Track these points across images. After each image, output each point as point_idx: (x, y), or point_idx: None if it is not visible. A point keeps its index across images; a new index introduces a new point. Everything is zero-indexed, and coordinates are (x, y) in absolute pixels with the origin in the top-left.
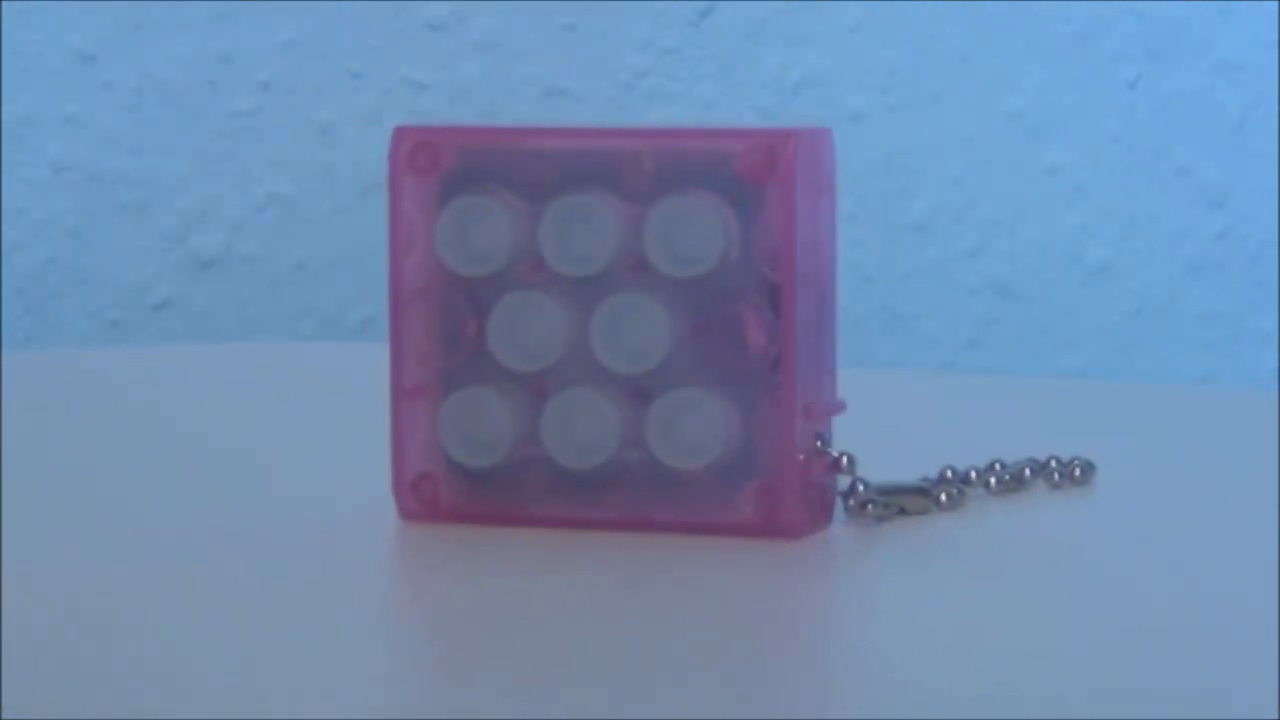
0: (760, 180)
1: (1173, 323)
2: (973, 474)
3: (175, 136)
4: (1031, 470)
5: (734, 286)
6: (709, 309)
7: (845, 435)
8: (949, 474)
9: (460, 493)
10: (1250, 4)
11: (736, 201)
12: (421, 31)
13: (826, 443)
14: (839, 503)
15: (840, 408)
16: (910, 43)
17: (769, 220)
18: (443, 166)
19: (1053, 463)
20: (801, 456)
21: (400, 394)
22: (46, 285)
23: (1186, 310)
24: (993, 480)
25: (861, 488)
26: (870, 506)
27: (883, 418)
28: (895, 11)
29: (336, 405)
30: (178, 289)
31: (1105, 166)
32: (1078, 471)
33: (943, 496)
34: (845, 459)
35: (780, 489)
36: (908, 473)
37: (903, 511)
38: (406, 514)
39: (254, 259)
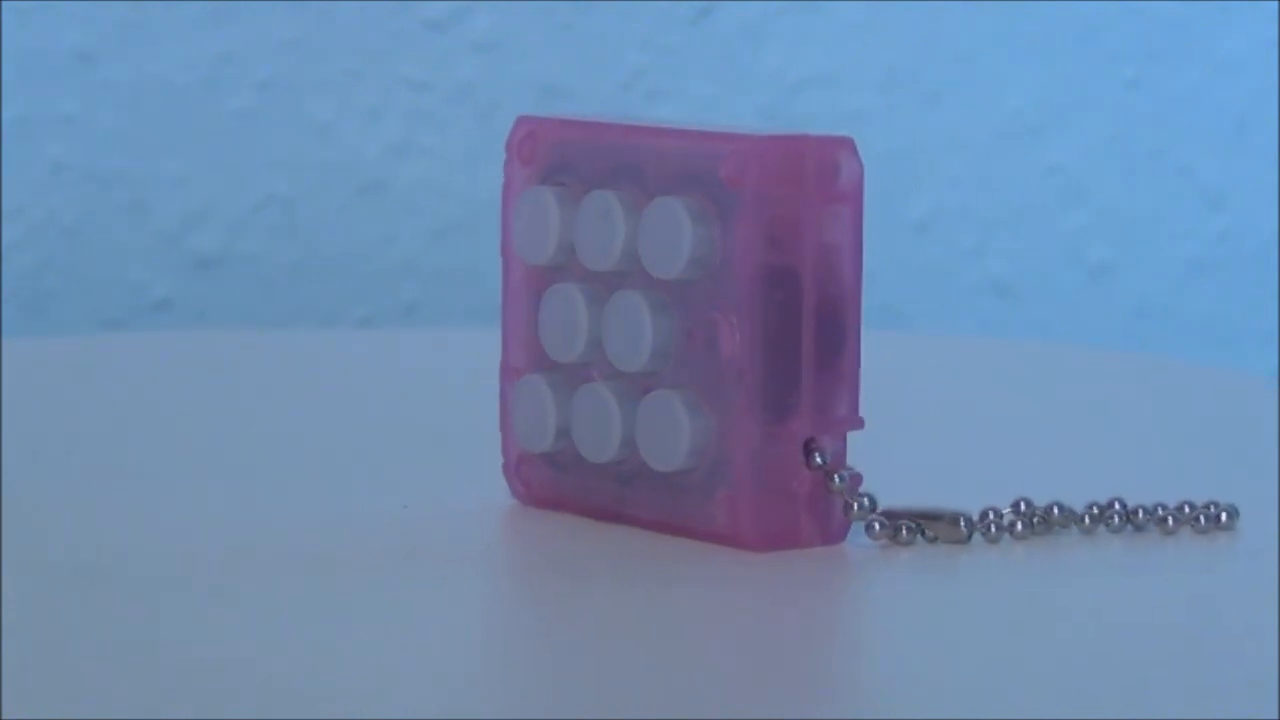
0: (737, 186)
1: (1173, 323)
2: (1055, 509)
3: (174, 136)
4: (1144, 512)
5: (716, 292)
6: (695, 313)
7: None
8: (1022, 505)
9: (542, 477)
10: (1250, 4)
11: (723, 207)
12: (421, 31)
13: (825, 457)
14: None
15: (854, 424)
16: (910, 42)
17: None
18: (539, 157)
19: (1187, 508)
20: (800, 470)
21: (506, 377)
22: (44, 285)
23: (1187, 310)
24: (1086, 518)
25: (856, 507)
26: (878, 528)
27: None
28: (895, 11)
29: (452, 387)
30: (176, 289)
31: (1105, 166)
32: (1201, 519)
33: (992, 528)
34: (837, 476)
35: (740, 499)
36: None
37: (935, 539)
38: (516, 495)
39: (252, 258)
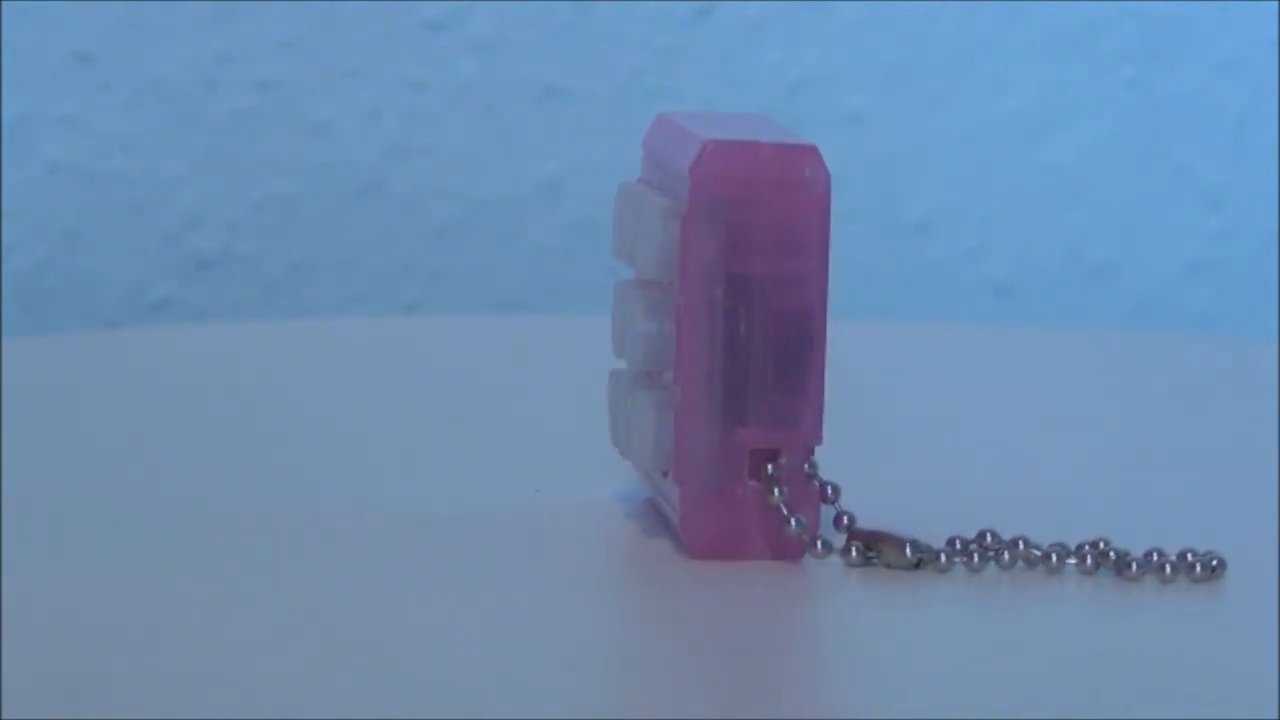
0: (694, 187)
1: (1173, 322)
2: (1020, 543)
3: (173, 136)
4: (1115, 553)
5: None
6: (670, 316)
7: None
8: (988, 537)
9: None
10: (1250, 4)
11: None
12: (420, 31)
13: (777, 470)
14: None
15: (811, 438)
16: (909, 42)
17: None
18: (652, 155)
19: (1184, 555)
20: (747, 482)
21: None
22: (43, 286)
23: (1186, 310)
24: (1053, 555)
25: (794, 523)
26: (820, 547)
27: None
28: (895, 11)
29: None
30: (175, 289)
31: (1105, 166)
32: (1167, 569)
33: (942, 557)
34: (776, 490)
35: (683, 505)
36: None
37: (888, 564)
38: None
39: (252, 259)
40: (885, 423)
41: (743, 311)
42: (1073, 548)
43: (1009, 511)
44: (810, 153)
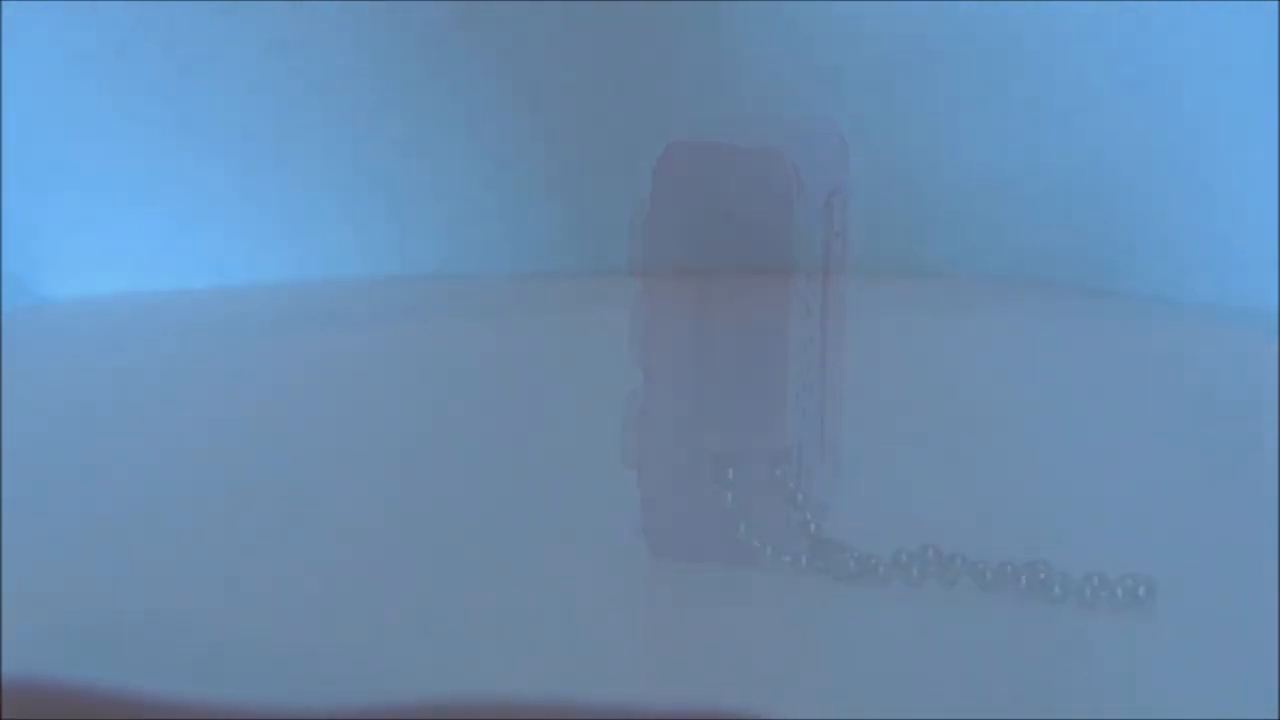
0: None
1: (1173, 322)
2: (959, 560)
3: (173, 136)
4: (1045, 572)
5: None
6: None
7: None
8: (930, 552)
9: None
10: (1250, 4)
11: None
12: None
13: (739, 475)
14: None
15: (776, 443)
16: (909, 42)
17: None
18: None
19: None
20: (704, 484)
21: None
22: (43, 286)
23: (1187, 309)
24: (987, 573)
25: (744, 528)
26: (769, 552)
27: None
28: (894, 11)
29: None
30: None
31: (1106, 166)
32: (1119, 591)
33: (881, 569)
34: (730, 494)
35: (643, 504)
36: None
37: (833, 575)
38: None
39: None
40: (880, 422)
41: (708, 314)
42: (1021, 565)
43: (993, 515)
44: (775, 156)
